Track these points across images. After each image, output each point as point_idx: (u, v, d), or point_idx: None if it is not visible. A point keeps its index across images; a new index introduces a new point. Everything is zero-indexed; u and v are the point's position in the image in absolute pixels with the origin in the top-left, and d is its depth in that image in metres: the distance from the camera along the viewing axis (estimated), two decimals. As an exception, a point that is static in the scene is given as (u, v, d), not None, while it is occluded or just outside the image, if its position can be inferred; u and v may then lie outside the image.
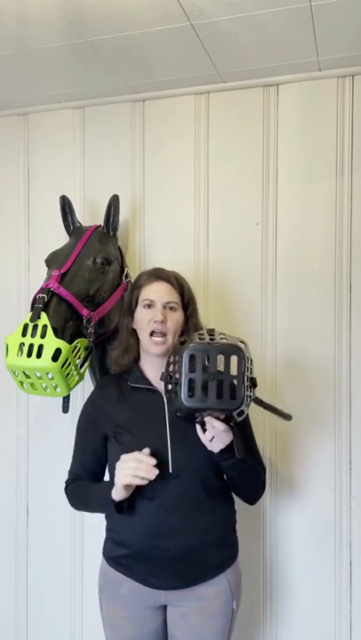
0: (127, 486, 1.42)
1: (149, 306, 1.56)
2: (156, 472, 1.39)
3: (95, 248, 1.84)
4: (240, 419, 1.37)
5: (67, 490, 1.65)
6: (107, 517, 1.63)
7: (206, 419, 1.38)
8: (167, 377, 1.39)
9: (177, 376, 1.35)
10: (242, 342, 1.38)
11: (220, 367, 1.32)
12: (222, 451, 1.42)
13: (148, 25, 1.60)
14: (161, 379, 1.42)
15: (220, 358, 1.32)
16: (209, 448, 1.43)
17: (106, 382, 1.68)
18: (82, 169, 2.16)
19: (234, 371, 1.32)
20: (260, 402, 1.44)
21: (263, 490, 1.62)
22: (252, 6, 1.52)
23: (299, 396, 1.93)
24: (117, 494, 1.44)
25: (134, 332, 1.62)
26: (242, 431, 1.50)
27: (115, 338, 1.79)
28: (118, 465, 1.42)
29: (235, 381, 1.33)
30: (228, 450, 1.42)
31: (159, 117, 2.07)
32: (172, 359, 1.39)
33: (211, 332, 1.40)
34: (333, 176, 1.90)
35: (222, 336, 1.38)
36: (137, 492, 1.47)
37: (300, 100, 1.93)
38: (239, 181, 1.99)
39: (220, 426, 1.37)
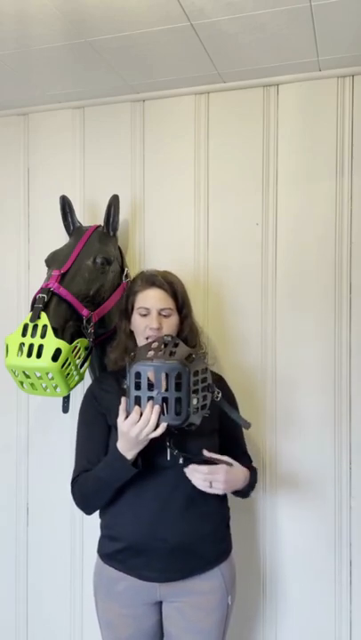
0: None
1: (145, 313, 1.59)
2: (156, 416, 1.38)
3: (95, 248, 1.84)
4: (192, 429, 1.42)
5: (74, 488, 1.59)
6: (101, 514, 1.63)
7: (188, 471, 1.45)
8: (125, 388, 1.43)
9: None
10: (189, 357, 1.39)
11: (165, 384, 1.35)
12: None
13: (148, 25, 1.60)
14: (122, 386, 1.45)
15: (165, 376, 1.35)
16: (215, 492, 1.47)
17: (105, 377, 1.71)
18: (82, 169, 2.16)
19: (179, 387, 1.35)
20: (220, 406, 1.49)
21: (253, 487, 1.65)
22: (252, 6, 1.52)
23: (299, 395, 1.93)
24: (132, 455, 1.45)
25: (132, 333, 1.65)
26: (232, 435, 1.60)
27: (115, 338, 1.79)
28: (129, 432, 1.40)
29: (180, 397, 1.35)
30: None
31: (159, 117, 2.07)
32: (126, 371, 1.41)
33: (164, 344, 1.43)
34: (333, 176, 1.90)
35: (173, 349, 1.40)
36: (132, 483, 1.50)
37: (300, 100, 1.93)
38: (239, 181, 1.99)
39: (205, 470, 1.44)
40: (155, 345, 1.44)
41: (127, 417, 1.39)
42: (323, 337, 1.91)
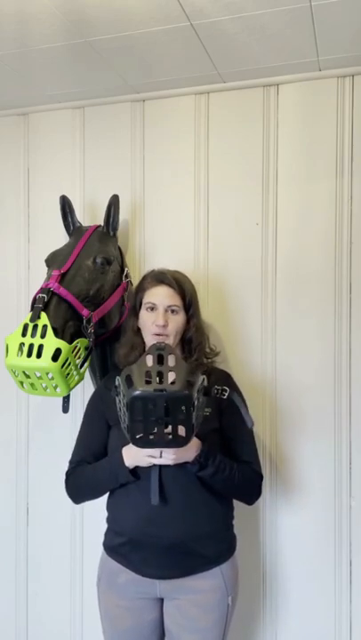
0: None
1: (152, 309, 1.62)
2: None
3: (95, 248, 1.84)
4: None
5: (68, 479, 1.66)
6: (106, 508, 1.66)
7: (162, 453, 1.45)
8: (118, 408, 1.40)
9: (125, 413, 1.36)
10: (190, 381, 1.35)
11: (168, 411, 1.33)
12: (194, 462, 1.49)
13: (148, 25, 1.60)
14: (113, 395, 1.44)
15: (166, 404, 1.32)
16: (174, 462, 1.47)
17: (113, 375, 1.70)
18: (82, 169, 2.16)
19: (182, 413, 1.33)
20: (232, 401, 1.53)
21: (258, 495, 1.64)
22: (252, 6, 1.52)
23: (298, 395, 1.93)
24: (131, 464, 1.53)
25: (139, 330, 1.67)
26: (242, 439, 1.62)
27: (115, 338, 1.80)
28: (142, 460, 1.50)
29: (185, 422, 1.34)
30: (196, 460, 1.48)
31: (159, 117, 2.07)
32: (120, 391, 1.37)
33: (159, 361, 1.37)
34: (333, 176, 1.90)
35: (170, 367, 1.36)
36: (133, 480, 1.54)
37: (300, 100, 1.92)
38: (239, 181, 1.99)
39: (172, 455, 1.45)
40: (150, 364, 1.38)
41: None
42: (323, 337, 1.91)
